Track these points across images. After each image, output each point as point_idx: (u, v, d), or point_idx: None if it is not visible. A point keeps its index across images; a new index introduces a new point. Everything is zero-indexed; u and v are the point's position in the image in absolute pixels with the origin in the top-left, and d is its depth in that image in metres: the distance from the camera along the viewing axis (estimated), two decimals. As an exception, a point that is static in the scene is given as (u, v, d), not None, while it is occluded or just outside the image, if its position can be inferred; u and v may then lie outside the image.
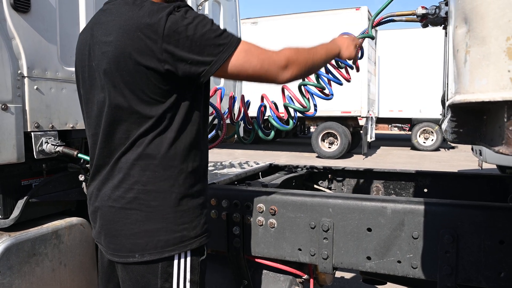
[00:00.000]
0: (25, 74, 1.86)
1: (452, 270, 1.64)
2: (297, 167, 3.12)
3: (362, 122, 13.39)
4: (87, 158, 2.04)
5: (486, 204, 1.67)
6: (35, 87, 1.91)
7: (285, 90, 2.19)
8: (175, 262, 1.37)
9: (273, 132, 2.31)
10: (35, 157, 1.93)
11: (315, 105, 2.26)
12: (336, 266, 1.87)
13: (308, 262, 1.93)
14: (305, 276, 2.19)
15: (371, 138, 14.30)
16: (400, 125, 26.82)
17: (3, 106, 1.75)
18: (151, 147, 1.34)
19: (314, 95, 2.20)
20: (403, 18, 2.04)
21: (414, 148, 16.40)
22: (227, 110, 2.33)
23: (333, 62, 2.15)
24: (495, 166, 7.73)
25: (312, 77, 2.18)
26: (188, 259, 1.39)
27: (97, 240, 1.50)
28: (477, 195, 2.63)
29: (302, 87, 2.20)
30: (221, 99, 2.26)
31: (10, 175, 1.95)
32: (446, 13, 1.87)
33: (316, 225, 1.88)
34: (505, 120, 0.70)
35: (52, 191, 2.13)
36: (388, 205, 1.76)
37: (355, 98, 13.05)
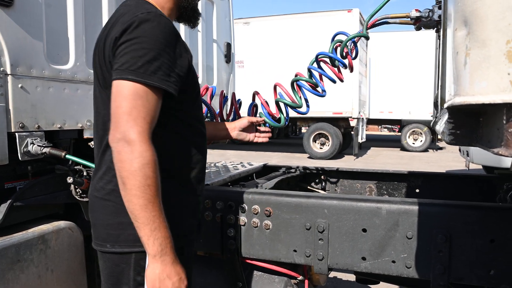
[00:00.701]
0: (8, 72, 1.76)
1: (445, 269, 1.65)
2: (290, 168, 3.12)
3: (353, 123, 13.45)
4: (76, 159, 2.00)
5: (478, 204, 1.68)
6: (19, 85, 1.81)
7: (277, 87, 2.16)
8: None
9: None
10: (20, 158, 1.84)
11: (306, 101, 2.18)
12: (332, 267, 1.87)
13: (303, 263, 1.93)
14: (300, 277, 2.19)
15: (362, 139, 14.36)
16: (390, 126, 27.00)
17: None
18: None
19: (306, 91, 2.14)
20: (397, 20, 2.04)
21: (403, 149, 16.51)
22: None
23: (327, 60, 2.12)
24: (481, 167, 7.83)
25: (305, 73, 2.14)
26: None
27: None
28: (467, 195, 2.65)
29: (295, 83, 2.14)
30: (211, 98, 2.24)
31: (-7, 178, 1.86)
32: (439, 16, 1.88)
33: (312, 226, 1.88)
34: (504, 122, 0.70)
35: (38, 194, 2.03)
36: (383, 206, 1.76)
37: (347, 100, 13.10)
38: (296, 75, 2.15)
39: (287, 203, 1.94)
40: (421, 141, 16.19)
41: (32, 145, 1.87)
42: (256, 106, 2.27)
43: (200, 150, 1.55)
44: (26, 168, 1.99)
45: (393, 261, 1.75)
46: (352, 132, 14.02)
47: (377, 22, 2.13)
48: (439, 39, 1.99)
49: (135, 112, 1.21)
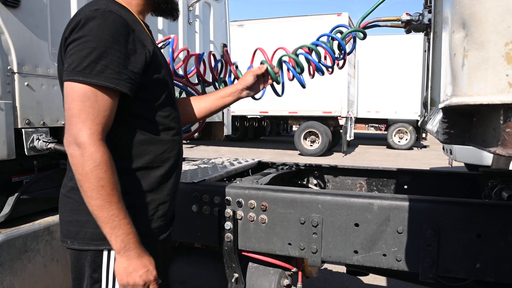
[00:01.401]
0: (15, 70, 1.78)
1: (433, 262, 1.66)
2: (284, 164, 3.11)
3: (342, 121, 13.47)
4: None
5: (466, 200, 1.68)
6: (25, 83, 1.83)
7: (281, 50, 2.00)
8: (105, 255, 1.31)
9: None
10: (26, 153, 1.85)
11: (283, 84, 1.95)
12: (325, 259, 1.86)
13: (298, 256, 1.92)
14: (294, 269, 2.18)
15: (350, 137, 14.40)
16: (376, 125, 27.10)
17: None
18: None
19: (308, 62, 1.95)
20: (388, 23, 2.03)
21: (389, 147, 16.60)
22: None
23: (324, 45, 1.95)
24: (463, 164, 7.89)
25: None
26: None
27: None
28: (453, 191, 2.66)
29: (299, 50, 1.97)
30: (199, 63, 2.13)
31: (1, 172, 1.87)
32: (429, 20, 1.87)
33: (306, 221, 1.87)
34: (502, 122, 0.69)
35: (43, 187, 2.05)
36: (375, 202, 1.76)
37: (336, 99, 13.13)
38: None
39: (283, 198, 1.93)
40: (406, 139, 16.28)
41: (37, 140, 1.87)
42: (222, 63, 2.15)
43: (170, 148, 1.45)
44: (32, 163, 2.02)
45: (384, 255, 1.75)
46: (341, 130, 14.04)
47: (369, 24, 2.10)
48: (429, 42, 1.98)
49: (84, 114, 1.15)
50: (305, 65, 1.95)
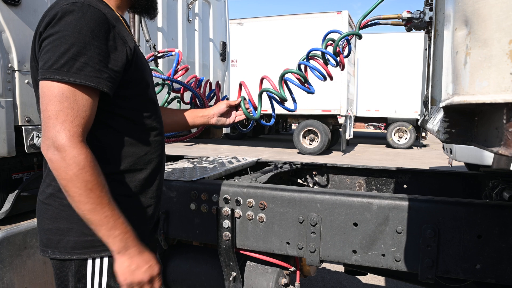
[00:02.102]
0: (16, 68, 1.79)
1: (433, 262, 1.64)
2: (284, 163, 3.09)
3: (341, 120, 13.46)
4: None
5: (466, 201, 1.67)
6: (25, 81, 1.84)
7: (264, 79, 1.99)
8: (89, 264, 1.24)
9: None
10: (26, 151, 1.86)
11: (294, 100, 2.03)
12: (323, 259, 1.85)
13: (296, 255, 1.91)
14: (292, 268, 2.17)
15: (349, 136, 14.40)
16: (376, 124, 27.11)
17: None
18: None
19: (295, 86, 1.99)
20: (389, 21, 2.01)
21: (389, 145, 16.59)
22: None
23: (318, 56, 1.98)
24: (463, 164, 7.87)
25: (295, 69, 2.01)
26: (105, 264, 1.25)
27: None
28: (453, 191, 2.65)
29: (283, 77, 1.97)
30: (197, 86, 2.13)
31: (1, 169, 1.89)
32: (430, 17, 1.86)
33: (304, 220, 1.86)
34: (504, 121, 0.68)
35: None
36: (374, 201, 1.74)
37: (335, 98, 13.12)
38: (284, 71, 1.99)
39: (281, 197, 1.92)
40: (406, 138, 16.28)
41: (37, 138, 1.88)
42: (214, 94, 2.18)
43: (152, 149, 1.38)
44: (32, 160, 2.03)
45: (383, 255, 1.74)
46: (340, 129, 14.03)
47: (369, 22, 2.08)
48: (430, 40, 1.97)
49: (62, 116, 1.07)
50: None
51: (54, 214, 1.24)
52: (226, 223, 2.00)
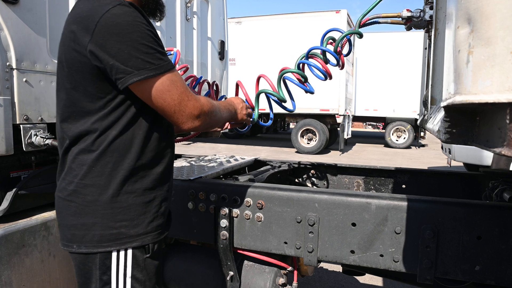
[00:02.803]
0: (14, 66, 1.80)
1: (431, 263, 1.63)
2: (281, 162, 3.08)
3: (339, 119, 13.45)
4: None
5: (466, 201, 1.66)
6: (24, 79, 1.85)
7: (262, 78, 1.97)
8: (114, 256, 1.31)
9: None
10: (24, 149, 1.86)
11: (292, 98, 2.02)
12: (321, 259, 1.84)
13: (293, 255, 1.90)
14: (289, 268, 2.16)
15: (347, 135, 14.39)
16: (374, 123, 27.12)
17: None
18: (92, 143, 1.29)
19: (294, 85, 1.96)
20: (388, 20, 2.00)
21: (387, 145, 16.60)
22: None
23: (318, 55, 1.96)
24: (462, 164, 7.87)
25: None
26: (129, 256, 1.33)
27: None
28: (452, 191, 2.64)
29: (282, 76, 1.95)
30: (194, 87, 2.13)
31: (-1, 167, 1.89)
32: (431, 16, 1.84)
33: (302, 220, 1.85)
34: (508, 122, 0.67)
35: (41, 183, 2.07)
36: (373, 201, 1.73)
37: (334, 97, 13.10)
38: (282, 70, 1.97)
39: (279, 196, 1.91)
40: (404, 138, 16.28)
41: (35, 136, 1.89)
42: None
43: (168, 144, 1.47)
44: (30, 158, 2.04)
45: (381, 255, 1.73)
46: (338, 129, 14.03)
47: (369, 21, 2.07)
48: (430, 39, 1.96)
49: (184, 95, 1.29)
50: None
51: (78, 210, 1.30)
52: (224, 223, 1.99)
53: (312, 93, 2.00)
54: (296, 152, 14.19)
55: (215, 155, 3.37)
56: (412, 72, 15.32)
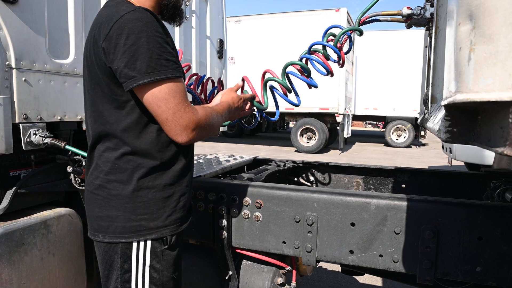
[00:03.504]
0: (13, 66, 1.80)
1: (431, 264, 1.62)
2: (280, 161, 3.07)
3: (339, 118, 13.43)
4: (75, 150, 2.02)
5: (467, 201, 1.64)
6: (23, 78, 1.85)
7: (267, 73, 1.96)
8: (134, 246, 1.41)
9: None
10: (24, 148, 1.88)
11: (296, 93, 2.01)
12: (320, 259, 1.83)
13: (292, 254, 1.89)
14: (288, 268, 2.15)
15: (347, 134, 14.37)
16: (374, 122, 27.11)
17: None
18: (114, 142, 1.39)
19: (297, 79, 1.96)
20: (388, 18, 1.98)
21: (387, 144, 16.58)
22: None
23: (320, 54, 1.95)
24: (463, 163, 7.85)
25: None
26: (148, 246, 1.42)
27: None
28: (452, 191, 2.63)
29: (286, 69, 1.95)
30: (198, 86, 2.12)
31: (-1, 166, 1.90)
32: (431, 14, 1.83)
33: (301, 219, 1.84)
34: (510, 121, 0.65)
35: (40, 182, 2.09)
36: (372, 201, 1.72)
37: (333, 96, 13.08)
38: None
39: (278, 196, 1.89)
40: (404, 137, 16.26)
41: (34, 135, 1.90)
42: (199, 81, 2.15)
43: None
44: (29, 157, 2.05)
45: (381, 255, 1.71)
46: (338, 128, 14.01)
47: (369, 19, 2.05)
48: (430, 37, 1.94)
49: (181, 106, 1.30)
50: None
51: (103, 203, 1.41)
52: (222, 222, 1.98)
53: (316, 87, 2.01)
54: (296, 151, 14.18)
55: (214, 154, 3.36)
56: (412, 71, 15.28)
